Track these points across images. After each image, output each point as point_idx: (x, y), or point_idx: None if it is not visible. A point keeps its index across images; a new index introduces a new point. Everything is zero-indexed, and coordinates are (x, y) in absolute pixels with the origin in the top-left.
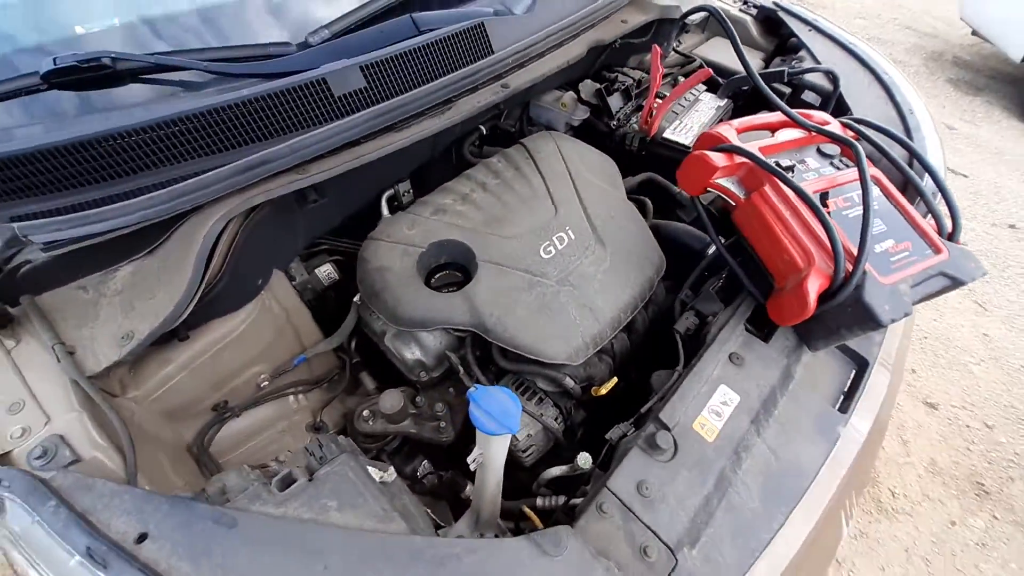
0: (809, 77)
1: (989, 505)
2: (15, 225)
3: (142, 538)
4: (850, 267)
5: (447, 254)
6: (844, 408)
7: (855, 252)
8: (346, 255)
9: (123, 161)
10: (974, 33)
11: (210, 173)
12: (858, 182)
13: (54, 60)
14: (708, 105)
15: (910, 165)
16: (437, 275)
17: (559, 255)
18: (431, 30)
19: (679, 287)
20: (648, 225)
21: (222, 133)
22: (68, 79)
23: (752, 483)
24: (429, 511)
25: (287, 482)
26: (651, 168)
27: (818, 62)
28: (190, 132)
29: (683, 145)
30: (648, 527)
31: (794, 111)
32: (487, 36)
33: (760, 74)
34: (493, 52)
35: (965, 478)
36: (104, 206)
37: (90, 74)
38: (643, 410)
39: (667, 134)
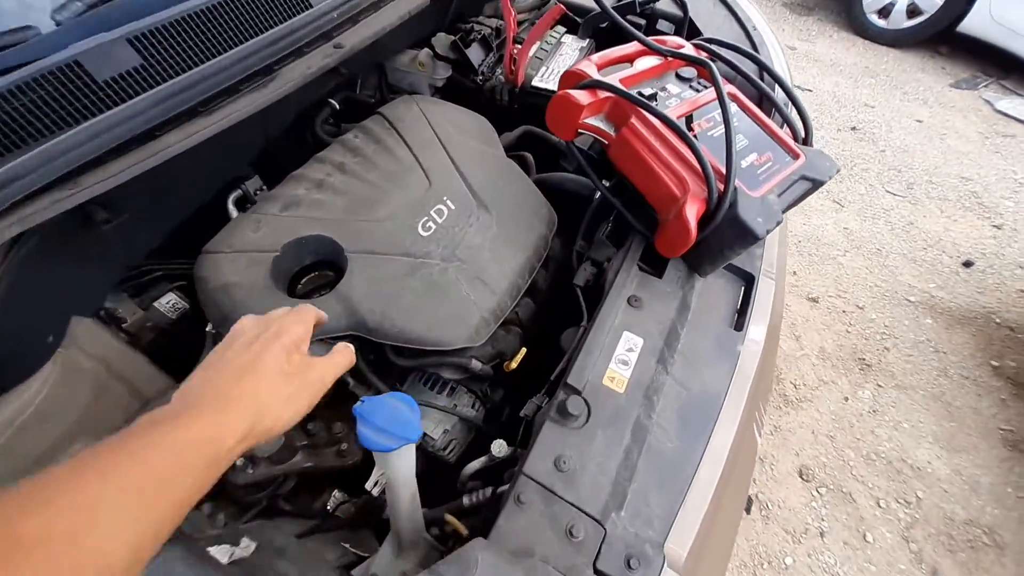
0: (660, 6)
1: (873, 376)
2: None
3: None
4: (721, 187)
5: (309, 253)
6: (739, 325)
7: (724, 171)
8: (191, 278)
9: None
10: None
11: None
12: (717, 100)
13: None
14: (571, 47)
15: (760, 79)
16: (304, 279)
17: (441, 229)
18: None
19: (575, 238)
20: (533, 180)
21: None
22: None
23: (667, 423)
24: (348, 545)
25: None
26: (526, 120)
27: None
28: None
29: (552, 91)
30: (572, 504)
31: (649, 39)
32: None
33: (613, 7)
34: (312, 6)
35: (849, 357)
36: None
37: None
38: (552, 377)
39: (535, 82)
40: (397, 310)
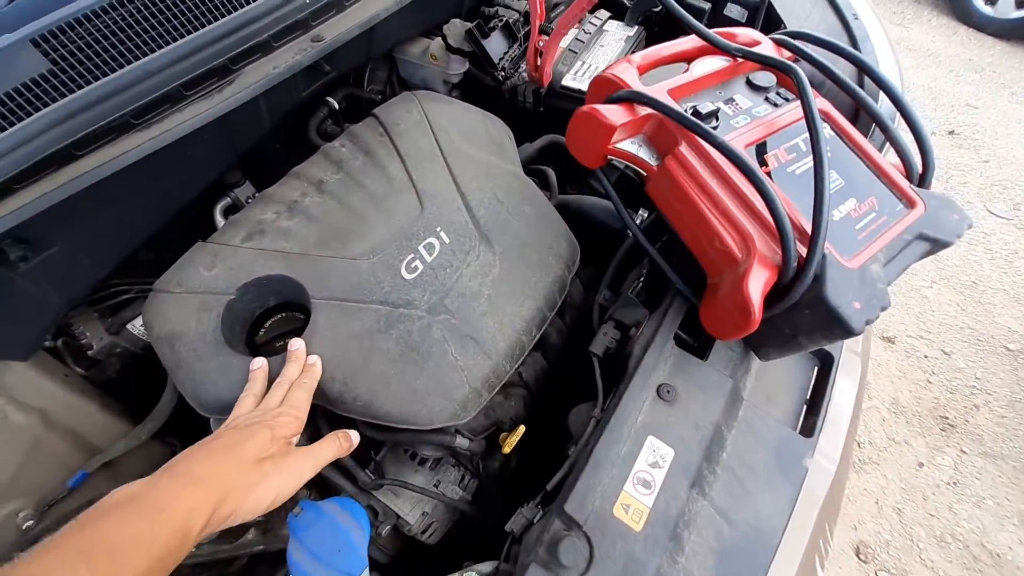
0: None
1: (956, 439)
2: None
3: None
4: (804, 251)
5: (272, 295)
6: (808, 430)
7: (808, 229)
8: None
9: None
10: None
11: None
12: (803, 121)
13: None
14: (615, 36)
15: (861, 85)
16: (269, 322)
17: (429, 271)
18: None
19: (601, 277)
20: (553, 204)
21: None
22: None
23: (700, 570)
24: None
25: None
26: (553, 127)
27: None
28: None
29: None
30: None
31: (712, 32)
32: None
33: None
34: None
35: (928, 413)
36: None
37: None
38: (549, 487)
39: (566, 80)
40: (363, 378)
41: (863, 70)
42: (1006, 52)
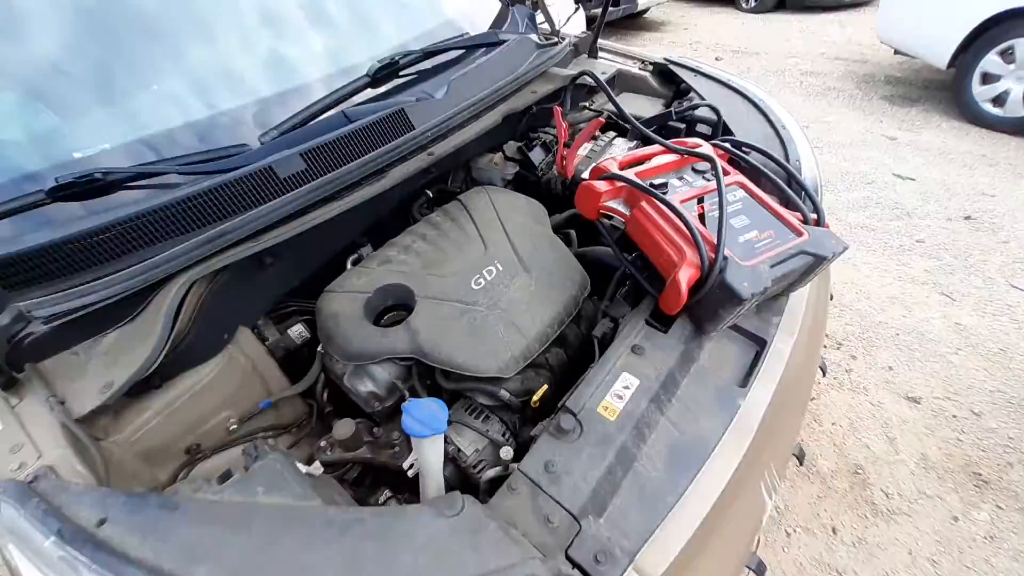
0: (699, 112)
1: (991, 495)
2: (20, 304)
3: (102, 522)
4: (712, 255)
5: (391, 296)
6: (744, 383)
7: (714, 250)
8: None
9: (109, 248)
10: (896, 52)
11: (177, 248)
12: (740, 189)
13: (56, 179)
14: (620, 148)
15: (784, 170)
16: (386, 316)
17: (488, 285)
18: (360, 119)
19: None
20: (574, 252)
21: (188, 217)
22: (68, 193)
23: (656, 455)
24: None
25: (225, 477)
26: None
27: (703, 99)
28: (161, 220)
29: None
30: (552, 498)
31: (667, 141)
32: (407, 117)
33: (653, 117)
34: (414, 128)
35: (960, 470)
36: (94, 283)
37: (86, 187)
38: (559, 405)
39: (583, 175)
40: (447, 342)
41: (769, 157)
42: (1021, 146)
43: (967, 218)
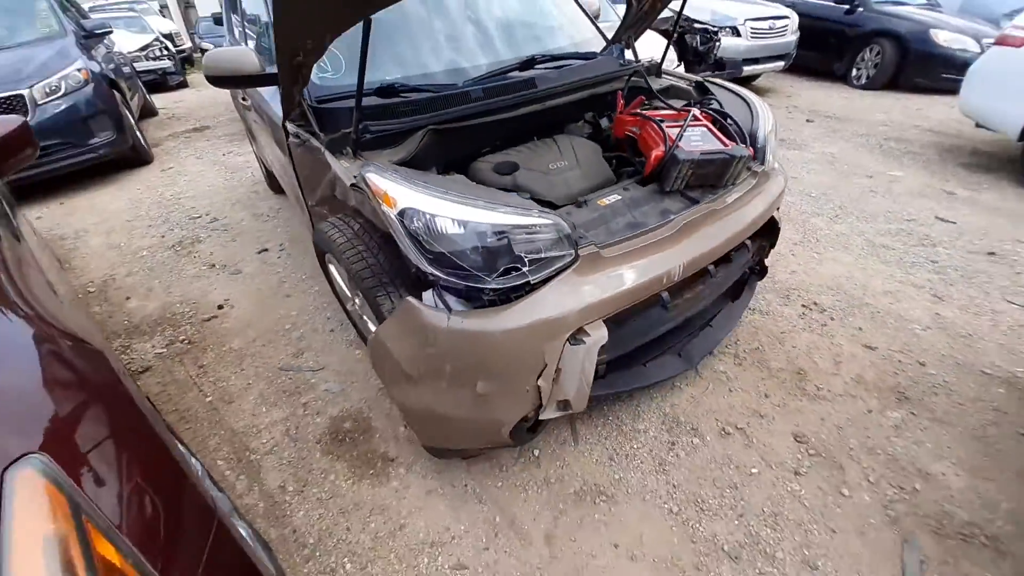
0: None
1: (908, 406)
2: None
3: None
4: (669, 145)
5: (507, 164)
6: (677, 212)
7: (672, 142)
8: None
9: (397, 112)
10: (978, 125)
11: (421, 117)
12: (702, 125)
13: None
14: None
15: (738, 124)
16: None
17: (558, 168)
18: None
19: None
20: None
21: (427, 106)
22: (383, 90)
23: (619, 224)
24: None
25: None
26: (623, 149)
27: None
28: (417, 105)
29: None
30: (574, 224)
31: (669, 101)
32: (534, 82)
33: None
34: (536, 88)
35: (889, 389)
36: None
37: (388, 88)
38: (582, 199)
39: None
40: (533, 184)
41: (727, 116)
42: None
43: (990, 254)
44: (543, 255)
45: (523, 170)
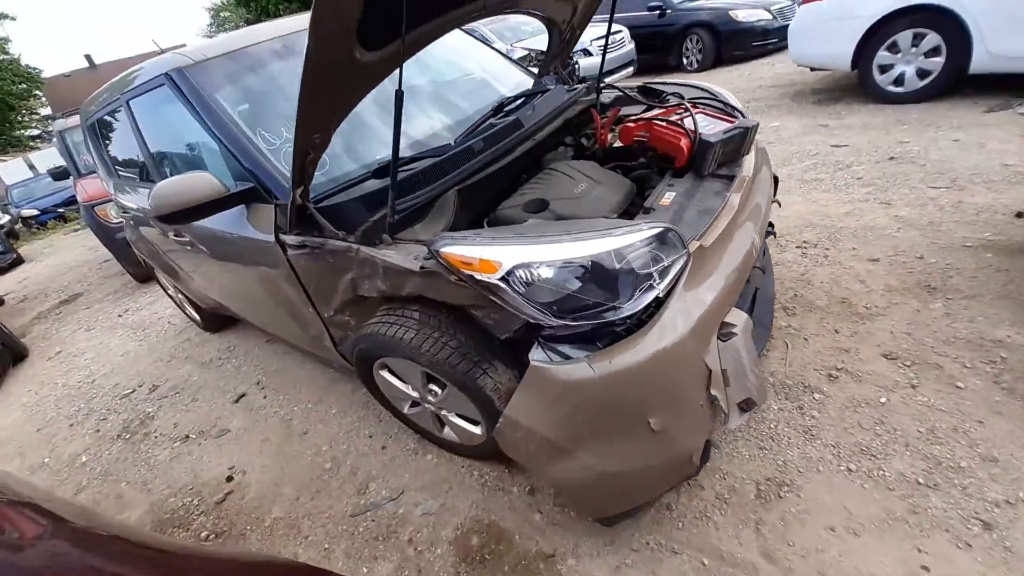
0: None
1: (940, 295)
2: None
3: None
4: (693, 135)
5: (536, 202)
6: (727, 189)
7: (695, 131)
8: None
9: (415, 183)
10: (813, 69)
11: (442, 181)
12: (699, 113)
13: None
14: None
15: (725, 108)
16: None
17: (583, 191)
18: (499, 126)
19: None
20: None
21: (442, 168)
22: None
23: (691, 214)
24: None
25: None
26: (615, 158)
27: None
28: (433, 171)
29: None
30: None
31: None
32: (520, 121)
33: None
34: (524, 126)
35: (915, 285)
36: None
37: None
38: (645, 204)
39: (615, 145)
40: (569, 210)
41: (715, 96)
42: (926, 107)
43: (891, 158)
44: (666, 263)
45: (556, 201)
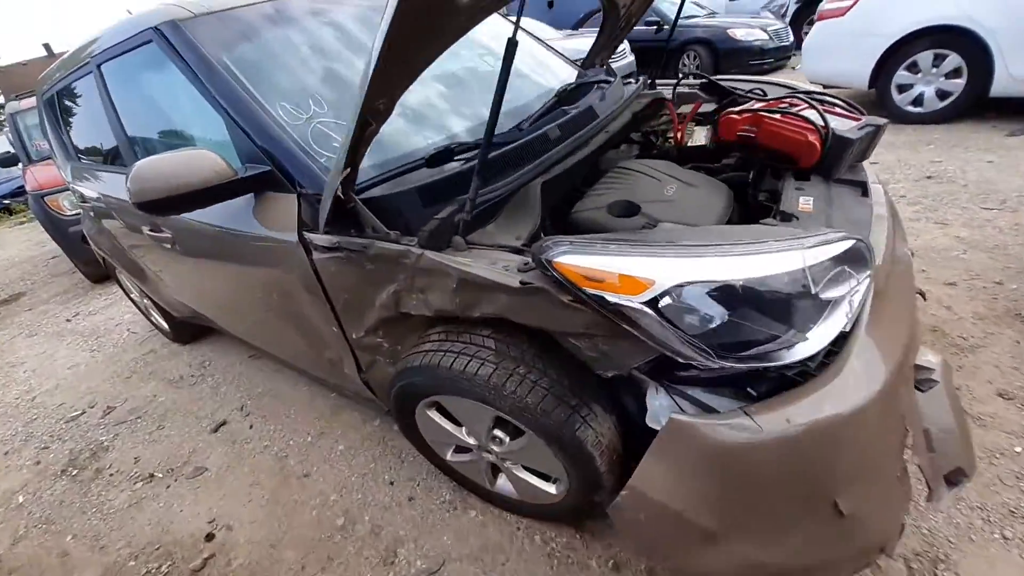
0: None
1: None
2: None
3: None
4: (824, 130)
5: (622, 204)
6: (864, 195)
7: (824, 127)
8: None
9: (494, 171)
10: (826, 87)
11: (521, 171)
12: (810, 108)
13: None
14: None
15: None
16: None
17: (677, 194)
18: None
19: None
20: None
21: (519, 156)
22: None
23: (840, 223)
24: None
25: None
26: (694, 157)
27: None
28: (508, 158)
29: (699, 146)
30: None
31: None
32: (594, 110)
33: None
34: (598, 116)
35: (1005, 313)
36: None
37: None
38: (779, 209)
39: (689, 143)
40: (684, 216)
41: (823, 101)
42: (947, 129)
43: (928, 177)
44: (858, 283)
45: (647, 204)
